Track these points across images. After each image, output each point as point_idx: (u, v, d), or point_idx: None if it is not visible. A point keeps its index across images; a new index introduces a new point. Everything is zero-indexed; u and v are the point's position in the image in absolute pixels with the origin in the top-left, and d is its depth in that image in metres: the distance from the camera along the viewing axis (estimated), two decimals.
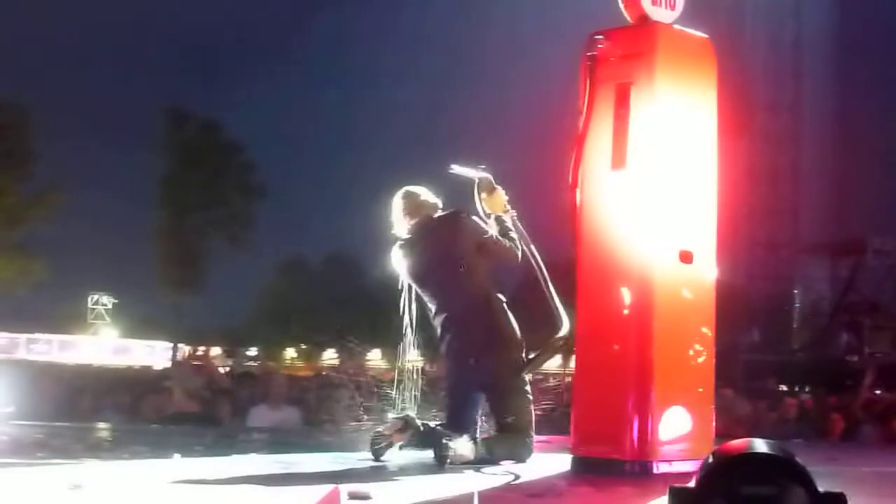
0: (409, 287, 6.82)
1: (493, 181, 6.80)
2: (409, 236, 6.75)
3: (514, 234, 6.73)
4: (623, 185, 5.90)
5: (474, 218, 6.74)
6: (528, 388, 6.70)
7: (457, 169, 6.85)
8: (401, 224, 6.78)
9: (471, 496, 4.10)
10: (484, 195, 6.80)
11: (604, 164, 5.97)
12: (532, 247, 6.77)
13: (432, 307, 6.77)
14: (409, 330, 6.87)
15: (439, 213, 6.80)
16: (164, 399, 10.36)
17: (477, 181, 6.81)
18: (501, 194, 6.79)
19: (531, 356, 6.74)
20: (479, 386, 6.66)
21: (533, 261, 6.75)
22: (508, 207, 6.79)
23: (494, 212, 6.78)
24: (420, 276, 6.74)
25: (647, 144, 5.87)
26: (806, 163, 40.15)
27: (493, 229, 6.71)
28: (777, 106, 39.49)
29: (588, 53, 6.02)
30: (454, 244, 6.65)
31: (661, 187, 5.88)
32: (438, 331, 6.77)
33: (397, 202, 6.78)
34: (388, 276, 6.87)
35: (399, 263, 6.79)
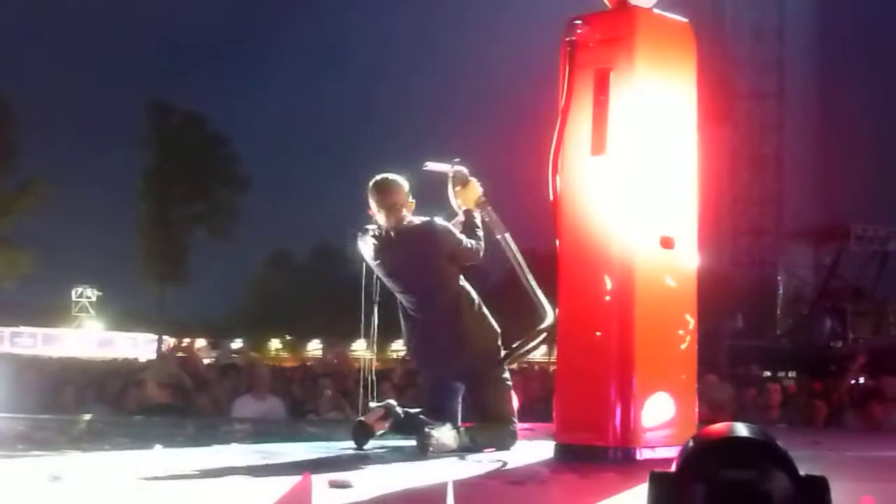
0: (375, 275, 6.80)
1: (467, 175, 6.78)
2: (384, 234, 6.67)
3: (480, 232, 6.72)
4: (603, 171, 5.88)
5: (447, 226, 6.67)
6: (506, 376, 6.68)
7: (430, 165, 6.84)
8: (376, 215, 6.71)
9: (463, 482, 4.07)
10: (458, 188, 6.79)
11: (584, 151, 5.94)
12: (508, 237, 6.76)
13: (402, 303, 6.75)
14: (374, 315, 6.86)
15: (412, 219, 6.69)
16: (142, 391, 10.32)
17: (451, 175, 6.79)
18: (475, 187, 6.80)
19: (514, 346, 6.74)
20: (456, 378, 6.66)
21: (509, 252, 6.74)
22: (482, 200, 6.78)
23: (467, 206, 6.80)
24: (392, 276, 6.70)
25: (627, 130, 5.85)
26: (789, 151, 40.26)
27: (461, 223, 6.70)
28: (760, 94, 39.62)
29: (567, 38, 5.99)
30: (429, 256, 6.61)
31: (641, 173, 5.86)
32: (407, 329, 6.75)
33: (372, 194, 6.67)
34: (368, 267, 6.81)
35: (370, 256, 6.74)
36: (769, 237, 37.87)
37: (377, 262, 6.69)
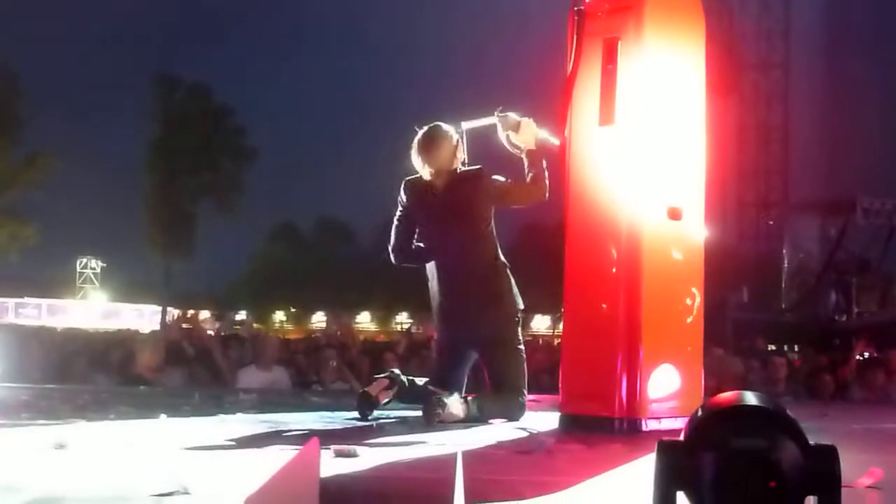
0: (407, 223, 6.77)
1: (517, 117, 6.62)
2: (429, 181, 6.64)
3: (545, 171, 6.57)
4: (611, 141, 5.86)
5: (494, 177, 6.61)
6: (521, 346, 6.67)
7: (469, 124, 6.73)
8: (419, 165, 6.66)
9: (469, 452, 4.06)
10: (510, 134, 6.65)
11: (591, 121, 5.91)
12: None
13: (431, 259, 6.71)
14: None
15: (461, 167, 6.69)
16: (139, 360, 10.28)
17: (498, 124, 6.68)
18: (530, 125, 6.60)
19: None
20: (473, 343, 6.63)
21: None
22: (541, 134, 6.60)
23: (528, 146, 6.61)
24: (431, 225, 6.68)
25: (636, 100, 5.83)
26: (795, 122, 40.12)
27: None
28: (766, 65, 39.43)
29: (576, 8, 5.96)
30: (471, 201, 6.57)
31: (649, 143, 5.84)
32: (435, 284, 6.71)
33: (417, 144, 6.63)
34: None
35: (411, 203, 6.72)
36: (775, 209, 37.83)
37: (419, 207, 6.67)
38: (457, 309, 6.64)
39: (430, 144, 6.60)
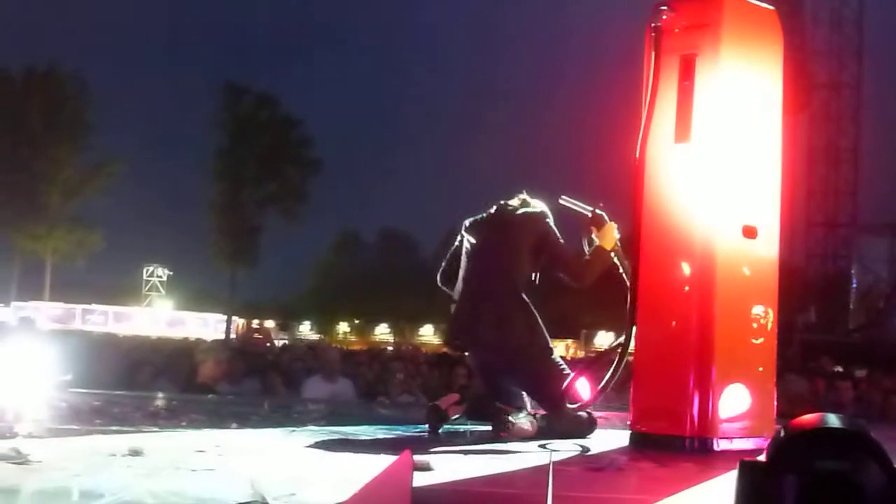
0: (456, 250, 6.82)
1: (606, 218, 6.67)
2: (485, 218, 6.75)
3: (598, 269, 6.64)
4: (687, 158, 5.83)
5: (548, 219, 6.66)
6: (563, 365, 6.62)
7: (567, 201, 6.77)
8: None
9: (538, 469, 4.06)
10: (594, 229, 6.70)
11: (668, 137, 5.89)
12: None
13: (460, 287, 6.73)
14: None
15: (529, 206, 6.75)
16: (202, 370, 10.35)
17: (590, 215, 6.71)
18: (612, 230, 6.65)
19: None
20: (497, 366, 6.60)
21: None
22: (618, 245, 6.64)
23: (605, 247, 6.65)
24: (475, 254, 6.69)
25: (712, 117, 5.79)
26: (866, 142, 39.74)
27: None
28: (838, 84, 39.04)
29: (653, 24, 5.94)
30: (517, 236, 6.61)
31: (725, 161, 5.80)
32: (466, 312, 6.72)
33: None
34: (441, 251, 6.85)
35: (467, 233, 6.78)
36: (844, 230, 37.47)
37: (469, 237, 6.73)
38: (469, 331, 6.65)
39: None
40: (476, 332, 6.60)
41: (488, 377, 6.69)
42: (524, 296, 6.55)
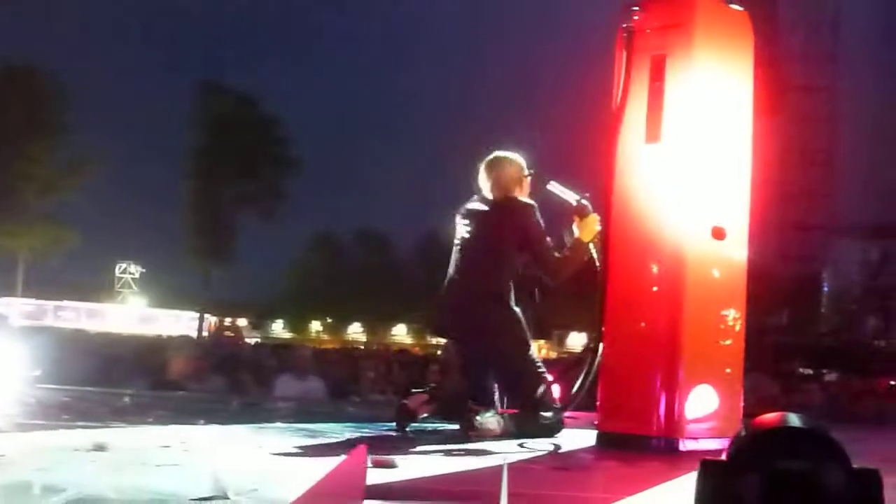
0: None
1: (590, 209, 6.64)
2: (475, 207, 6.72)
3: (576, 264, 6.61)
4: (657, 158, 5.83)
5: (535, 214, 6.63)
6: (540, 364, 6.63)
7: (555, 187, 6.75)
8: (482, 181, 6.73)
9: (499, 468, 4.05)
10: (577, 219, 6.68)
11: (638, 138, 5.90)
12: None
13: (448, 273, 6.73)
14: None
15: (516, 197, 6.71)
16: (173, 367, 10.31)
17: (575, 204, 6.71)
18: (595, 222, 6.59)
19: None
20: (491, 364, 6.60)
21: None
22: (597, 238, 6.58)
23: (583, 237, 6.63)
24: (462, 246, 6.70)
25: (683, 118, 5.80)
26: (840, 145, 39.92)
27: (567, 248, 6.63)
28: (813, 87, 39.22)
29: (624, 25, 5.95)
30: (501, 230, 6.60)
31: (695, 162, 5.81)
32: (442, 296, 6.74)
33: (482, 169, 6.74)
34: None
35: (457, 228, 6.76)
36: (817, 232, 37.63)
37: (459, 230, 6.72)
38: (450, 318, 6.65)
39: (496, 165, 6.71)
40: (456, 321, 6.60)
41: (466, 367, 6.69)
42: (505, 288, 6.56)
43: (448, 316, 6.75)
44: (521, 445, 5.84)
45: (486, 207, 6.68)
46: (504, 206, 6.64)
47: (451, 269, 6.71)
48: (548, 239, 6.63)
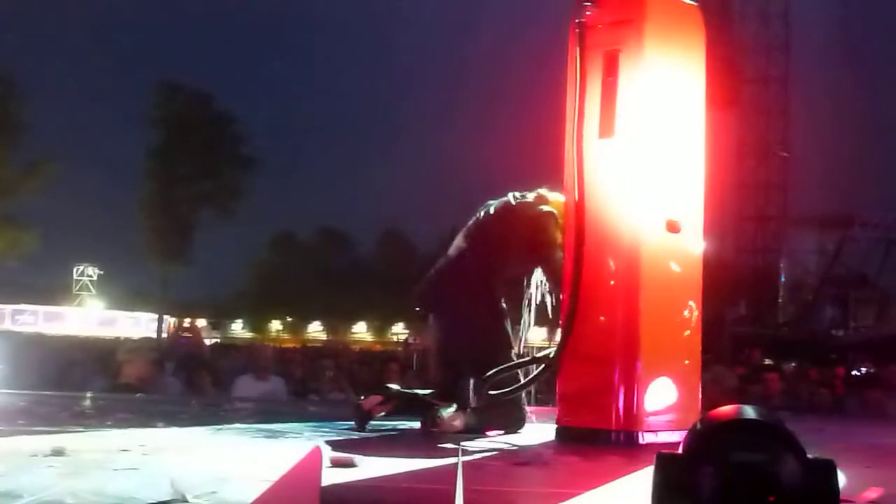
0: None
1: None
2: (499, 204, 6.71)
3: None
4: (611, 153, 5.85)
5: (554, 219, 6.50)
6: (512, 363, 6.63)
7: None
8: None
9: (455, 464, 4.06)
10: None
11: (591, 133, 5.91)
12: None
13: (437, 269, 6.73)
14: None
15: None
16: (130, 369, 10.22)
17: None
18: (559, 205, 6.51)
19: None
20: (463, 356, 6.60)
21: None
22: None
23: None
24: (465, 231, 6.72)
25: (636, 112, 5.82)
26: (795, 136, 40.20)
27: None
28: (766, 79, 39.46)
29: (576, 20, 5.96)
30: (511, 229, 6.59)
31: (648, 156, 5.84)
32: (431, 297, 6.73)
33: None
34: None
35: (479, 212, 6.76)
36: (773, 223, 37.87)
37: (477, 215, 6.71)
38: (445, 320, 6.66)
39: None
40: (441, 305, 6.61)
41: (448, 367, 6.66)
42: (497, 287, 6.58)
43: (435, 295, 6.72)
44: (482, 441, 5.85)
45: (504, 208, 6.66)
46: (524, 211, 6.61)
47: (451, 249, 6.73)
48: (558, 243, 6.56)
